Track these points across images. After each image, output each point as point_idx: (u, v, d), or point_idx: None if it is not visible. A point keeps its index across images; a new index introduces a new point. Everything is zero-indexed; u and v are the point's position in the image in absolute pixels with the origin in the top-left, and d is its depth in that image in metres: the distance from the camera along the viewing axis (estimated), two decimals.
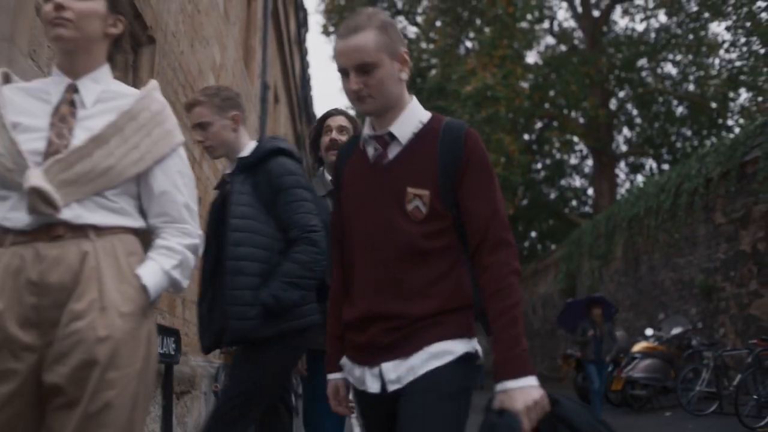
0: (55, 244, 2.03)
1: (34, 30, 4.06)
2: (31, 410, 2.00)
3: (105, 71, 2.27)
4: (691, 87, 26.90)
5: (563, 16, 45.71)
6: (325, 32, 29.33)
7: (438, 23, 26.29)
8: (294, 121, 23.68)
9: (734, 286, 12.50)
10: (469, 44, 27.21)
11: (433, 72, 26.92)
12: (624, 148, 29.61)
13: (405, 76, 2.14)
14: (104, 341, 1.96)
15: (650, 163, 29.71)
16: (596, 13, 27.55)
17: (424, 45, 27.78)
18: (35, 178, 1.98)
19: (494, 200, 2.12)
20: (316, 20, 50.44)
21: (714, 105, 25.68)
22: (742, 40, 25.00)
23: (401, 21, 29.45)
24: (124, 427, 1.99)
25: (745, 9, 23.87)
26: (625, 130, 29.66)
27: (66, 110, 2.14)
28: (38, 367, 1.98)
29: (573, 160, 31.65)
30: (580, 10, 27.33)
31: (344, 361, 2.27)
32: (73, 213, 2.05)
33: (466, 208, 2.11)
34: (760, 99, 25.22)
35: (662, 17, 26.70)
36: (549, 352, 22.73)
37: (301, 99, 25.15)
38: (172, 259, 2.21)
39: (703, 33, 25.54)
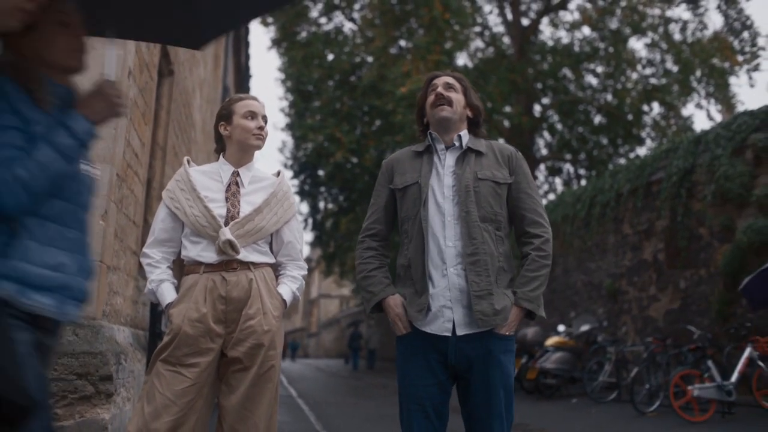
0: (233, 273, 3.24)
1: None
2: (215, 372, 3.21)
3: (252, 163, 3.47)
4: (610, 98, 27.85)
5: (494, 21, 46.36)
6: (264, 23, 29.03)
7: (377, 21, 26.42)
8: None
9: (636, 290, 13.62)
10: (403, 43, 27.49)
11: (365, 69, 27.10)
12: (544, 151, 30.51)
13: None
14: (267, 332, 3.21)
15: (567, 167, 30.73)
16: (525, 22, 28.24)
17: (359, 41, 28.07)
18: (229, 234, 3.18)
19: None
20: None
21: (629, 117, 26.77)
22: (658, 58, 26.69)
23: (338, 16, 29.53)
24: (276, 382, 3.25)
25: (660, 29, 25.56)
26: (546, 135, 30.53)
27: (234, 188, 3.35)
28: (222, 347, 3.19)
29: None
30: (510, 17, 27.97)
31: None
32: (242, 255, 3.24)
33: None
34: (671, 114, 26.96)
35: (586, 30, 27.58)
36: None
37: (244, 91, 25.62)
38: (295, 283, 3.46)
39: (622, 48, 26.52)
